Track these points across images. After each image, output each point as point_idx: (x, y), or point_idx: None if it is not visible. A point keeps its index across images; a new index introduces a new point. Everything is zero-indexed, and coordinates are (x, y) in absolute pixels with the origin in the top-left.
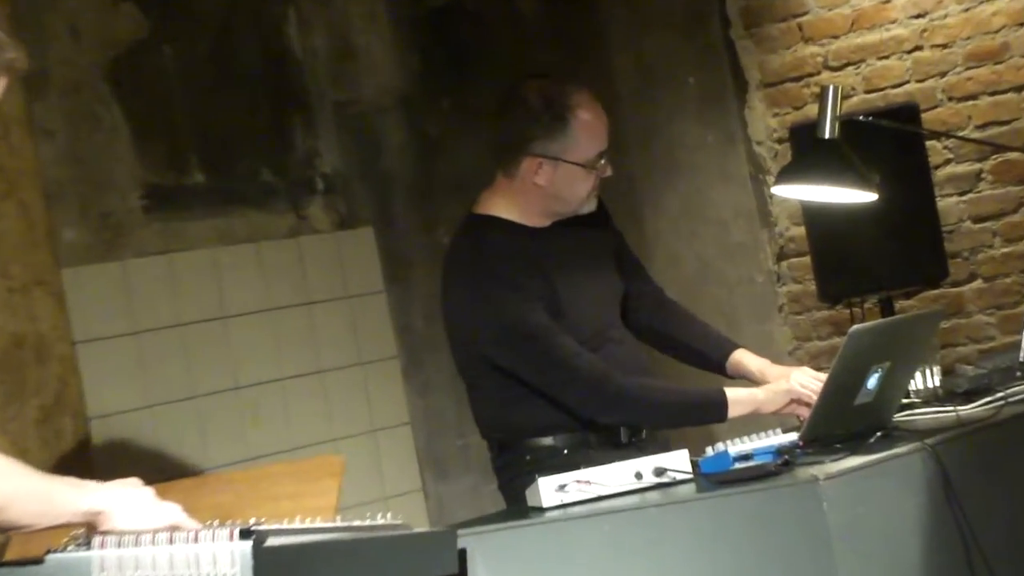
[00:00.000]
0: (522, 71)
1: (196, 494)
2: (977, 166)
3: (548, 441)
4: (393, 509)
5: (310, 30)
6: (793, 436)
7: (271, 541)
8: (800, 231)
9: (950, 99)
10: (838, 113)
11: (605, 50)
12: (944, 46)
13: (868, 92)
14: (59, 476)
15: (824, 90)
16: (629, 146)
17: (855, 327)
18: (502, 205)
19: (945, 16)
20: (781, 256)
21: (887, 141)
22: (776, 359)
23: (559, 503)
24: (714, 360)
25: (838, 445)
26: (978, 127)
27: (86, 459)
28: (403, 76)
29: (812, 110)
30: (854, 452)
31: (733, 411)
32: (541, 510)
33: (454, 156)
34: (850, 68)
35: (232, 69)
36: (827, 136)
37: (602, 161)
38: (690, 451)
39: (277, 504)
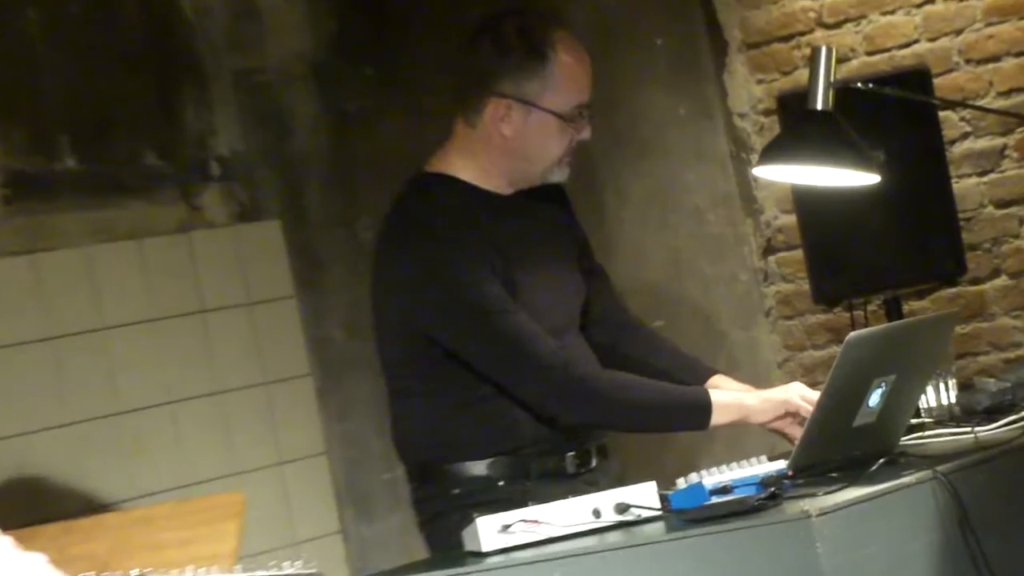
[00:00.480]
0: (456, 33)
1: (65, 541)
2: (1000, 141)
3: (480, 469)
4: (306, 555)
5: None
6: (781, 464)
7: None
8: (790, 220)
9: (967, 62)
10: (832, 79)
11: (554, 3)
12: None
13: (870, 54)
14: None
15: (815, 51)
16: None
17: (854, 334)
18: (459, 163)
19: None
20: (768, 250)
21: (893, 112)
22: (763, 372)
23: (502, 546)
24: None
25: (834, 474)
26: (1001, 94)
27: None
28: (316, 39)
29: (803, 76)
30: (853, 483)
31: (717, 417)
32: (481, 555)
33: (377, 135)
34: (849, 25)
35: (109, 33)
36: (820, 107)
37: (582, 117)
38: (658, 484)
39: (162, 553)
